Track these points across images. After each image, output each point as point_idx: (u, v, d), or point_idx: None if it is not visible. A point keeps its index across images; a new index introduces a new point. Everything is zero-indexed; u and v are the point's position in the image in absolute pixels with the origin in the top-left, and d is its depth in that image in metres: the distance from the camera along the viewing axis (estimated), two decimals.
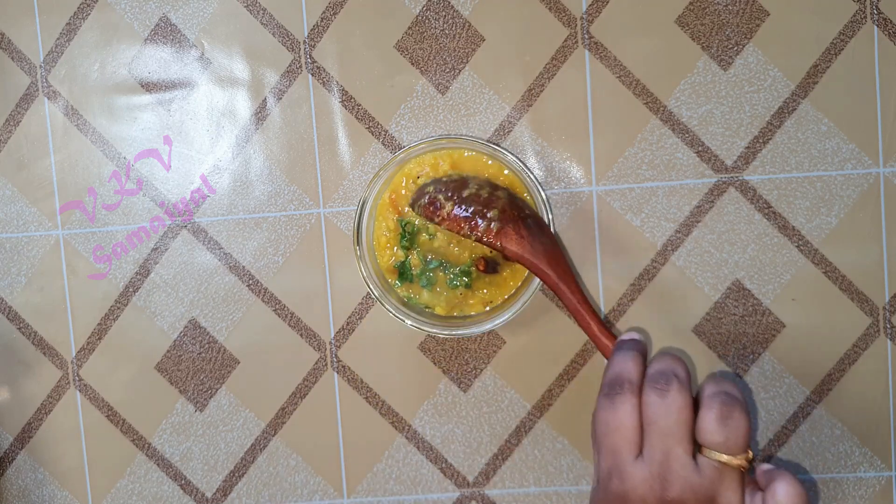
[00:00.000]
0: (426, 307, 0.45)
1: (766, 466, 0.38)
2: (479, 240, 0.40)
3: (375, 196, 0.44)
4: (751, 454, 0.36)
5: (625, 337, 0.41)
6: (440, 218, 0.41)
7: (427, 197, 0.42)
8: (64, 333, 0.49)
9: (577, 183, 0.46)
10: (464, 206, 0.41)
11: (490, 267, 0.43)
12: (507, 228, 0.40)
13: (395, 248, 0.44)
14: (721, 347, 0.46)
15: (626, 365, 0.39)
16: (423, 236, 0.44)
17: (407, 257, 0.44)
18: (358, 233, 0.44)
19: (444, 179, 0.43)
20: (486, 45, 0.47)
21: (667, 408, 0.36)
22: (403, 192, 0.44)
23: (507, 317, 0.43)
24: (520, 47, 0.46)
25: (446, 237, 0.44)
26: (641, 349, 0.40)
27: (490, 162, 0.44)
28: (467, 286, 0.44)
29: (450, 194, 0.41)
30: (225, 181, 0.48)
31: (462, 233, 0.41)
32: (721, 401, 0.36)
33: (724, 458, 0.36)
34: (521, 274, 0.44)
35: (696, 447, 0.36)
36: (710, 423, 0.36)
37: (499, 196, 0.41)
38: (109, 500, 0.50)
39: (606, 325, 0.41)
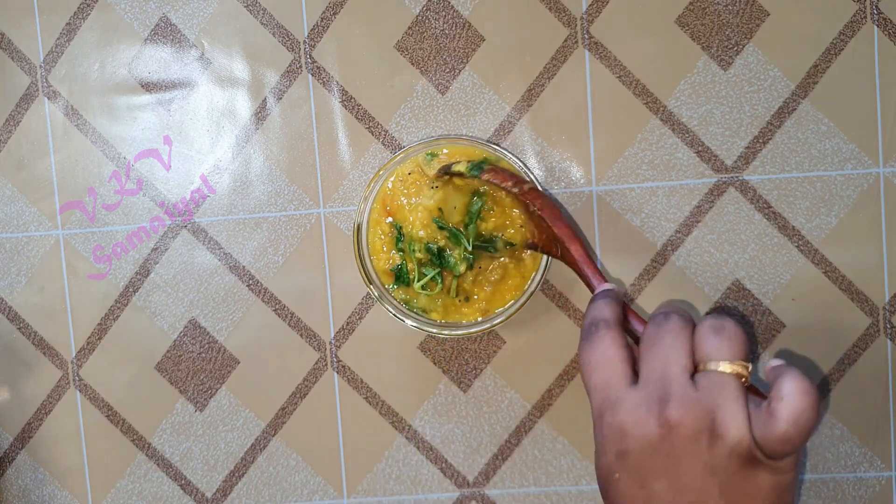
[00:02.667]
0: (422, 311, 0.44)
1: (774, 362, 0.35)
2: (521, 193, 0.41)
3: (375, 196, 0.44)
4: (749, 365, 0.35)
5: (598, 289, 0.40)
6: (487, 170, 0.42)
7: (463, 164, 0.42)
8: (64, 333, 0.49)
9: (577, 183, 0.46)
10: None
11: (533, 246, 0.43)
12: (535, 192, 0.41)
13: (392, 251, 0.44)
14: None
15: (601, 310, 0.38)
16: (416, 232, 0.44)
17: (403, 261, 0.44)
18: (358, 233, 0.44)
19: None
20: (486, 45, 0.47)
21: (664, 330, 0.35)
22: (389, 192, 0.44)
23: (508, 313, 0.43)
24: (520, 47, 0.46)
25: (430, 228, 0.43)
26: (615, 296, 0.39)
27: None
28: (470, 267, 0.43)
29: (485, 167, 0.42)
30: (225, 181, 0.48)
31: (504, 185, 0.41)
32: (713, 317, 0.35)
33: (720, 366, 0.34)
34: (520, 289, 0.44)
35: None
36: (703, 336, 0.35)
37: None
38: (109, 500, 0.50)
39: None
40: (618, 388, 0.36)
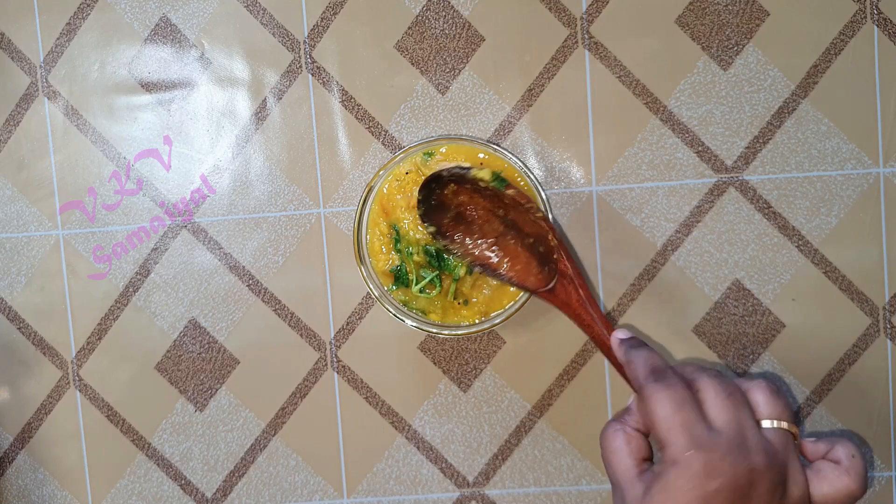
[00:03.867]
0: (421, 313, 0.44)
1: (812, 439, 0.39)
2: (542, 219, 0.42)
3: (375, 196, 0.44)
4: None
5: (613, 342, 0.41)
6: (455, 246, 0.43)
7: (431, 229, 0.43)
8: (64, 333, 0.49)
9: (577, 183, 0.46)
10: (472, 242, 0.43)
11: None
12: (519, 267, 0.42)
13: (391, 252, 0.44)
14: (721, 347, 0.46)
15: (654, 359, 0.39)
16: (414, 235, 0.44)
17: (402, 262, 0.44)
18: (358, 233, 0.44)
19: (445, 175, 0.42)
20: (486, 45, 0.47)
21: (721, 383, 0.37)
22: (386, 193, 0.44)
23: (507, 313, 0.43)
24: (520, 47, 0.46)
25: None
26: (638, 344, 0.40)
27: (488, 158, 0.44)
28: (470, 271, 0.43)
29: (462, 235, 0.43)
30: (225, 181, 0.48)
31: (529, 205, 0.42)
32: (763, 381, 0.38)
33: (785, 425, 0.37)
34: (518, 292, 0.44)
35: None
36: (765, 396, 0.37)
37: (497, 221, 0.43)
38: (109, 500, 0.50)
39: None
40: (699, 431, 0.36)
